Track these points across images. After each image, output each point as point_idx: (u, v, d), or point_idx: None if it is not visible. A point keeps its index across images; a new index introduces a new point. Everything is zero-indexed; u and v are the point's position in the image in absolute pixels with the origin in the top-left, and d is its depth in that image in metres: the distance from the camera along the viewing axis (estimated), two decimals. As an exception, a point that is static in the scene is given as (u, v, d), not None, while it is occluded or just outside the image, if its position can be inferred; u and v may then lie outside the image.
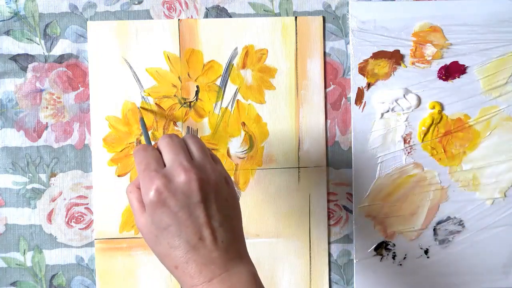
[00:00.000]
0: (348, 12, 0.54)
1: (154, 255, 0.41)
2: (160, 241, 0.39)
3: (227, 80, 0.54)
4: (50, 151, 0.54)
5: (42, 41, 0.53)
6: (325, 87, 0.55)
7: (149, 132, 0.54)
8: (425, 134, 0.55)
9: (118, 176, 0.54)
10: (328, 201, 0.55)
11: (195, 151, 0.41)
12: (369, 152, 0.55)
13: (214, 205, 0.39)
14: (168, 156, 0.40)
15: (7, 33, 0.53)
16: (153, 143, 0.52)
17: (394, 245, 0.55)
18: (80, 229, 0.54)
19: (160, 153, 0.41)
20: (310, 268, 0.55)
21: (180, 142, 0.41)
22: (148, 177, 0.38)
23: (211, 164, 0.40)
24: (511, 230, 0.56)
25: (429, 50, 0.54)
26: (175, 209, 0.38)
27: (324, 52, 0.55)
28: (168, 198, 0.38)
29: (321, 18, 0.54)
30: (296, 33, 0.54)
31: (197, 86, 0.54)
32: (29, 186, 0.54)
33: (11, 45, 0.53)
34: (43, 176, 0.54)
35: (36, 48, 0.53)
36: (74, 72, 0.54)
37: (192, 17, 0.54)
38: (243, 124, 0.54)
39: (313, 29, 0.54)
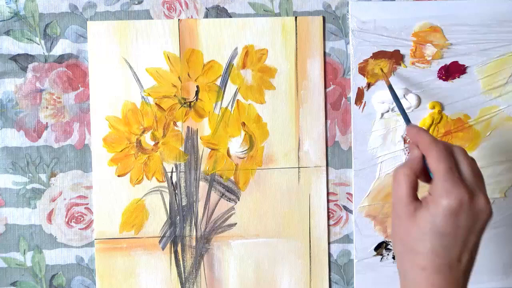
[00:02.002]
0: (348, 12, 0.54)
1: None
2: (425, 239, 0.39)
3: (227, 80, 0.54)
4: (50, 151, 0.54)
5: (42, 41, 0.53)
6: (325, 87, 0.55)
7: (149, 132, 0.54)
8: (425, 134, 0.55)
9: (118, 176, 0.54)
10: (328, 201, 0.55)
11: (483, 179, 0.42)
12: (369, 152, 0.55)
13: (480, 238, 0.40)
14: (467, 171, 0.40)
15: (7, 33, 0.53)
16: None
17: (394, 245, 0.55)
18: (80, 229, 0.54)
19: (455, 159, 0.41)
20: (310, 268, 0.55)
21: (475, 162, 0.42)
22: (453, 182, 0.39)
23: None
24: (511, 230, 0.56)
25: (429, 50, 0.54)
26: (461, 225, 0.39)
27: (324, 52, 0.55)
28: (463, 213, 0.38)
29: (321, 18, 0.54)
30: (296, 33, 0.54)
31: (197, 86, 0.54)
32: (29, 186, 0.54)
33: (11, 45, 0.53)
34: (43, 176, 0.54)
35: (36, 48, 0.53)
36: (74, 72, 0.54)
37: (192, 17, 0.54)
38: (243, 124, 0.54)
39: (313, 29, 0.54)
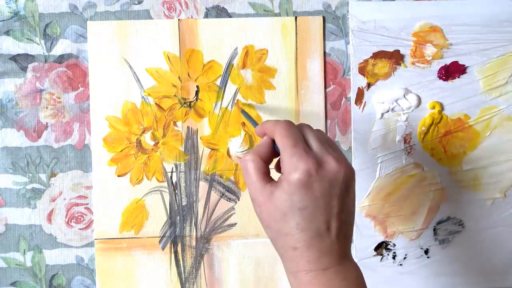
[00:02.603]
0: (348, 12, 0.54)
1: (267, 231, 0.40)
2: (288, 219, 0.38)
3: (227, 80, 0.54)
4: (50, 151, 0.54)
5: (42, 41, 0.53)
6: (325, 87, 0.55)
7: (149, 132, 0.54)
8: (425, 134, 0.55)
9: (118, 176, 0.54)
10: (328, 201, 0.55)
11: (333, 143, 0.42)
12: (369, 152, 0.55)
13: (347, 199, 0.40)
14: (314, 141, 0.40)
15: (7, 33, 0.53)
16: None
17: (394, 245, 0.55)
18: (80, 229, 0.54)
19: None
20: (310, 268, 0.55)
21: (321, 132, 0.42)
22: (298, 155, 0.38)
23: (345, 158, 0.41)
24: (511, 230, 0.56)
25: (429, 50, 0.54)
26: (318, 195, 0.38)
27: (324, 52, 0.55)
28: (315, 182, 0.38)
29: (321, 18, 0.54)
30: (296, 33, 0.54)
31: (197, 86, 0.54)
32: (29, 186, 0.54)
33: (11, 45, 0.53)
34: (43, 176, 0.54)
35: (36, 48, 0.53)
36: (74, 72, 0.54)
37: (192, 17, 0.54)
38: (243, 124, 0.54)
39: (313, 29, 0.54)
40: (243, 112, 0.52)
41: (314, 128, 0.42)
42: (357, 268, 0.40)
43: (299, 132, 0.40)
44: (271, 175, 0.41)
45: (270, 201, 0.39)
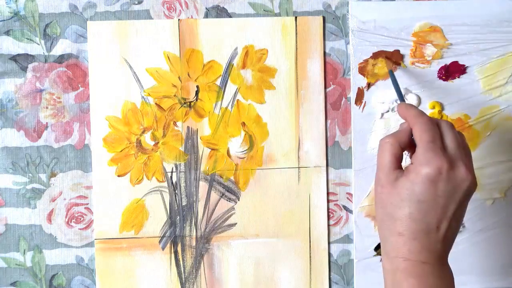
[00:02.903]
0: (348, 12, 0.54)
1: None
2: (403, 205, 0.40)
3: (227, 80, 0.54)
4: (50, 151, 0.54)
5: (42, 41, 0.53)
6: (325, 87, 0.55)
7: (149, 132, 0.54)
8: (425, 134, 0.55)
9: (118, 176, 0.54)
10: (328, 201, 0.55)
11: (468, 151, 0.43)
12: (369, 152, 0.55)
13: (462, 208, 0.41)
14: (451, 142, 0.41)
15: (7, 33, 0.53)
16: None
17: (394, 245, 0.55)
18: (80, 229, 0.54)
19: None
20: (310, 268, 0.55)
21: (461, 135, 0.43)
22: (434, 152, 0.40)
23: (473, 169, 0.42)
24: (511, 230, 0.56)
25: (429, 50, 0.54)
26: (439, 193, 0.39)
27: (324, 52, 0.55)
28: (442, 182, 0.39)
29: (321, 18, 0.54)
30: (296, 33, 0.54)
31: (197, 86, 0.54)
32: (29, 186, 0.54)
33: (11, 45, 0.53)
34: (43, 176, 0.54)
35: (36, 48, 0.53)
36: (74, 72, 0.54)
37: (192, 17, 0.54)
38: (243, 124, 0.54)
39: (313, 29, 0.54)
40: (391, 74, 0.51)
41: (454, 129, 0.43)
42: (452, 274, 0.41)
43: (438, 130, 0.41)
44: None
45: (393, 185, 0.40)
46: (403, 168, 0.41)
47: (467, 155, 0.42)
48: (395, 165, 0.41)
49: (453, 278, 0.41)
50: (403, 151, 0.42)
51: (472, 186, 0.41)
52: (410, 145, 0.42)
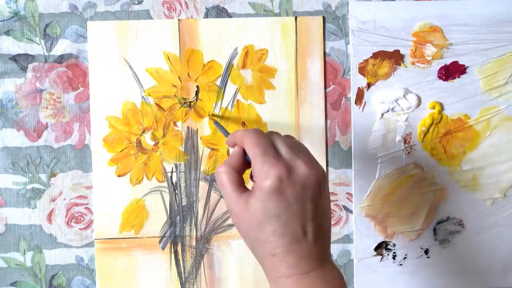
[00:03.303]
0: (348, 12, 0.54)
1: (247, 242, 0.40)
2: (265, 227, 0.39)
3: (227, 80, 0.54)
4: (50, 151, 0.54)
5: (42, 41, 0.53)
6: (325, 87, 0.55)
7: (149, 132, 0.54)
8: (425, 134, 0.55)
9: (118, 176, 0.54)
10: (328, 201, 0.55)
11: (302, 148, 0.42)
12: (369, 152, 0.55)
13: (320, 202, 0.40)
14: (283, 147, 0.40)
15: (7, 33, 0.53)
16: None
17: (394, 245, 0.55)
18: (80, 229, 0.54)
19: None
20: (310, 268, 0.55)
21: (290, 137, 0.43)
22: (269, 162, 0.39)
23: (316, 161, 0.41)
24: (511, 230, 0.56)
25: (429, 50, 0.54)
26: (291, 200, 0.38)
27: (324, 52, 0.55)
28: (287, 188, 0.38)
29: (321, 18, 0.54)
30: (296, 33, 0.54)
31: (197, 86, 0.54)
32: (29, 186, 0.54)
33: (11, 45, 0.53)
34: (43, 176, 0.54)
35: (36, 48, 0.53)
36: (74, 72, 0.54)
37: (192, 17, 0.54)
38: (243, 124, 0.54)
39: (313, 29, 0.54)
40: (216, 123, 0.52)
41: (283, 134, 0.43)
42: (338, 270, 0.40)
43: (268, 139, 0.41)
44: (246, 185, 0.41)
45: (246, 210, 0.39)
46: (249, 189, 0.40)
47: (301, 151, 0.41)
48: (238, 190, 0.40)
49: (340, 274, 0.40)
50: (241, 174, 0.41)
51: (320, 176, 0.40)
52: (247, 165, 0.42)
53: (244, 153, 0.42)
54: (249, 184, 0.41)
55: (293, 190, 0.39)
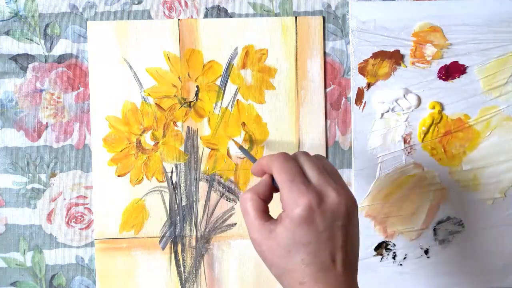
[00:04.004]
0: (348, 12, 0.54)
1: (265, 263, 0.40)
2: (293, 256, 0.38)
3: (227, 80, 0.54)
4: (50, 151, 0.54)
5: (42, 41, 0.53)
6: (325, 87, 0.55)
7: (149, 132, 0.54)
8: (425, 134, 0.55)
9: (118, 176, 0.54)
10: (328, 201, 0.55)
11: (333, 172, 0.41)
12: (369, 152, 0.55)
13: (350, 230, 0.39)
14: (312, 172, 0.40)
15: (7, 33, 0.53)
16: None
17: (394, 245, 0.55)
18: (80, 229, 0.54)
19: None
20: (310, 268, 0.55)
21: (320, 159, 0.42)
22: (298, 190, 0.38)
23: (346, 187, 0.41)
24: (511, 230, 0.56)
25: (429, 50, 0.54)
26: (321, 229, 0.38)
27: (324, 52, 0.55)
28: (318, 217, 0.38)
29: (321, 18, 0.54)
30: (296, 33, 0.54)
31: (197, 86, 0.54)
32: (29, 186, 0.54)
33: (11, 45, 0.53)
34: (43, 176, 0.54)
35: (36, 48, 0.53)
36: (74, 72, 0.54)
37: (192, 17, 0.54)
38: (243, 124, 0.54)
39: (313, 29, 0.54)
40: (242, 148, 0.52)
41: (312, 155, 0.42)
42: None
43: (296, 164, 0.40)
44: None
45: (271, 239, 0.38)
46: (274, 217, 0.40)
47: (332, 176, 0.40)
48: (263, 218, 0.39)
49: None
50: (266, 202, 0.40)
51: (350, 205, 0.39)
52: (275, 191, 0.41)
53: (272, 180, 0.41)
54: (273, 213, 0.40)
55: (323, 219, 0.38)
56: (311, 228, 0.38)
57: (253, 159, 0.47)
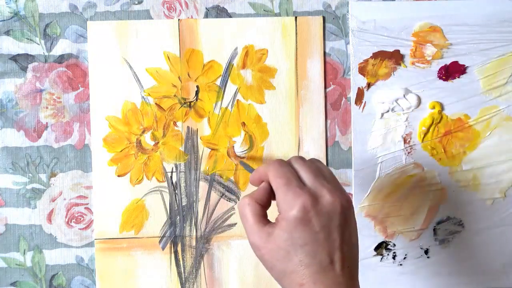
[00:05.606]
0: (348, 12, 0.54)
1: (263, 262, 0.40)
2: (291, 257, 0.39)
3: (227, 80, 0.54)
4: (50, 151, 0.54)
5: (42, 41, 0.53)
6: (325, 87, 0.55)
7: (149, 132, 0.54)
8: (425, 134, 0.55)
9: (118, 176, 0.54)
10: (328, 201, 0.55)
11: (327, 174, 0.42)
12: (369, 152, 0.55)
13: (347, 229, 0.40)
14: (306, 175, 0.40)
15: (7, 33, 0.53)
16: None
17: (394, 245, 0.55)
18: (80, 229, 0.54)
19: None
20: (310, 268, 0.55)
21: (314, 163, 0.42)
22: (293, 193, 0.39)
23: (342, 188, 0.41)
24: (511, 230, 0.56)
25: (429, 50, 0.54)
26: (317, 229, 0.38)
27: (324, 52, 0.55)
28: (313, 218, 0.38)
29: (321, 18, 0.54)
30: (296, 33, 0.54)
31: (197, 86, 0.54)
32: (29, 186, 0.54)
33: (11, 45, 0.53)
34: (43, 176, 0.54)
35: (36, 48, 0.53)
36: (74, 72, 0.54)
37: (192, 17, 0.54)
38: (243, 124, 0.54)
39: (313, 29, 0.54)
40: (242, 163, 0.52)
41: (308, 159, 0.42)
42: None
43: (290, 169, 0.41)
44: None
45: (270, 242, 0.39)
46: (271, 220, 0.40)
47: (326, 178, 0.41)
48: (261, 222, 0.40)
49: None
50: (264, 208, 0.41)
51: (345, 204, 0.39)
52: (273, 198, 0.41)
53: (270, 186, 0.41)
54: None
55: (318, 219, 0.38)
56: (307, 228, 0.38)
57: (251, 170, 0.48)
